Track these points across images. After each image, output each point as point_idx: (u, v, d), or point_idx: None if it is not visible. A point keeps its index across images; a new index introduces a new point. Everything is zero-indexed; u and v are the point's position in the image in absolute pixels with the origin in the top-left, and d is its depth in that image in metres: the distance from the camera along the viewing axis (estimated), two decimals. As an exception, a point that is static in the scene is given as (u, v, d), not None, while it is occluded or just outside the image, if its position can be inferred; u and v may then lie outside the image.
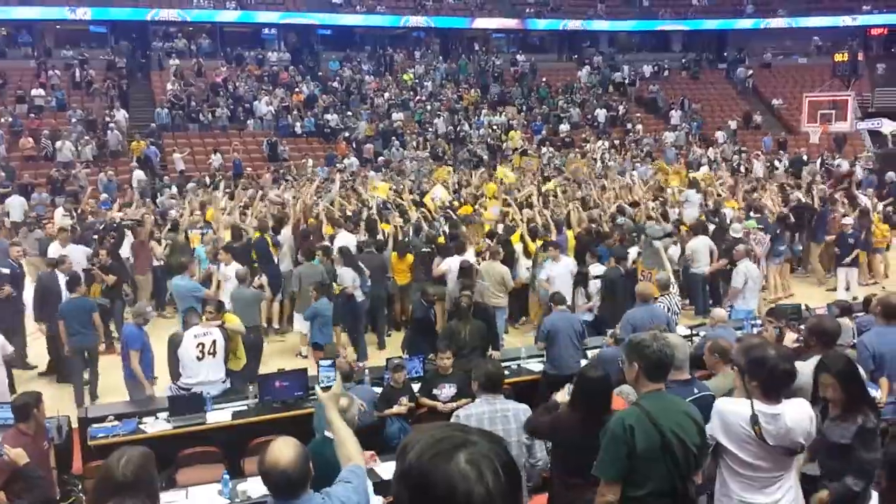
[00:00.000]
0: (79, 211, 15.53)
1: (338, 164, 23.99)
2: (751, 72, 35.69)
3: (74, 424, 6.84)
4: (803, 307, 8.93)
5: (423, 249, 11.00)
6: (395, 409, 6.74)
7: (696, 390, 4.50)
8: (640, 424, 3.47)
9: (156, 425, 6.68)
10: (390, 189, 15.99)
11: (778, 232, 12.65)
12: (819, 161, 24.29)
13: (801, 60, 36.50)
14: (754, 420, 3.56)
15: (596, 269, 10.06)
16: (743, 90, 35.22)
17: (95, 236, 12.25)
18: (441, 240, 11.25)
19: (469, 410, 4.90)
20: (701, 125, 30.87)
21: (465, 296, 8.20)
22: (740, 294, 9.85)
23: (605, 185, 17.09)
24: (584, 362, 7.61)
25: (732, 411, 3.67)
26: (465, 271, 9.26)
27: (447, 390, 6.79)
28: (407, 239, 11.61)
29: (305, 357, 10.17)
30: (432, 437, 1.68)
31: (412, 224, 12.42)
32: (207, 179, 20.66)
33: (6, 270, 9.98)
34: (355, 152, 25.67)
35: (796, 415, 3.61)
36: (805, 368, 4.72)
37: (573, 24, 36.91)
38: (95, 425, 6.61)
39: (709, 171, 19.86)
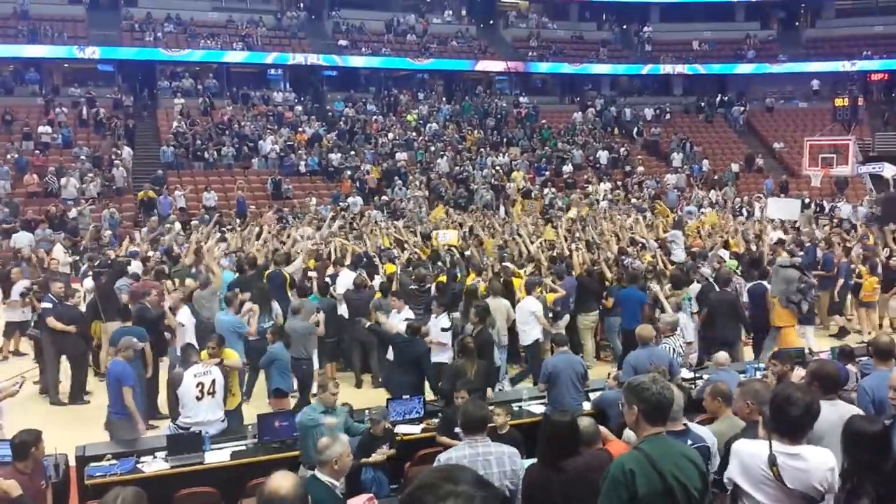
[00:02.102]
0: (80, 247, 15.60)
1: (341, 203, 24.15)
2: (743, 108, 36.25)
3: (72, 463, 6.78)
4: (807, 351, 8.89)
5: (411, 287, 10.99)
6: (373, 457, 6.63)
7: (689, 441, 4.44)
8: (641, 468, 3.41)
9: (153, 464, 6.60)
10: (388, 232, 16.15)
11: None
12: (813, 203, 24.37)
13: (802, 104, 36.85)
14: (772, 460, 3.53)
15: (442, 321, 9.62)
16: (739, 130, 35.64)
17: (90, 273, 12.27)
18: (443, 277, 11.33)
19: (450, 454, 4.80)
20: (702, 168, 31.08)
21: (469, 336, 8.16)
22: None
23: (604, 227, 17.15)
24: (586, 405, 7.57)
25: (750, 452, 3.66)
26: (481, 311, 9.23)
27: None
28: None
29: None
30: (417, 484, 1.68)
31: (413, 262, 12.45)
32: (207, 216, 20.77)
33: (48, 305, 10.18)
34: (359, 191, 25.82)
35: (816, 459, 3.58)
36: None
37: (575, 68, 37.37)
38: (93, 464, 6.53)
39: (712, 212, 19.96)
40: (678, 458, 3.50)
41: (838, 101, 28.71)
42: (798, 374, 6.26)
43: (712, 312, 10.21)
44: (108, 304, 10.91)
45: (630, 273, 11.14)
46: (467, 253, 13.35)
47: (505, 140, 31.96)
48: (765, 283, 11.02)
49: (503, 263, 12.16)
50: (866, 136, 30.97)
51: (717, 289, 10.64)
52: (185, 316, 9.49)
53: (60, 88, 29.89)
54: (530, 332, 10.17)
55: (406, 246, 14.25)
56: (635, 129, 34.13)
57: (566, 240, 14.60)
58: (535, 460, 5.05)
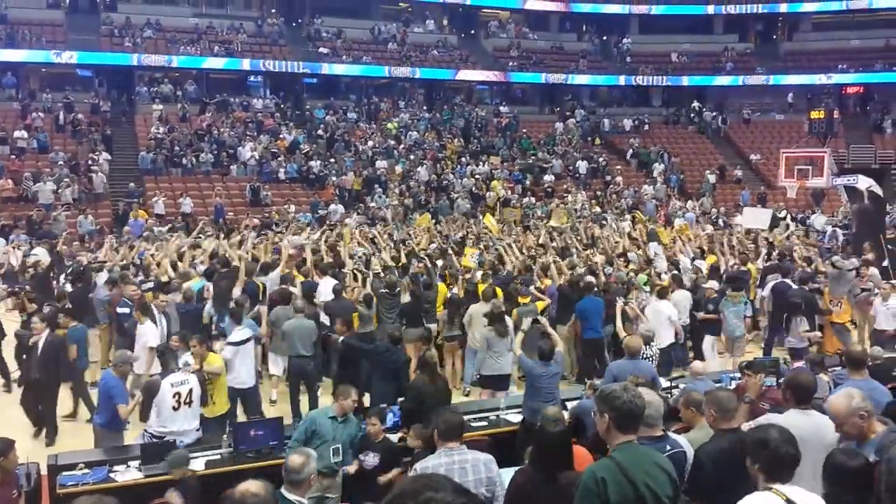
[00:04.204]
0: (56, 252, 15.44)
1: (321, 211, 24.10)
2: (718, 116, 36.70)
3: (44, 472, 6.69)
4: (781, 361, 8.96)
5: (382, 290, 11.03)
6: None
7: (668, 447, 4.47)
8: (612, 476, 3.43)
9: (127, 474, 6.53)
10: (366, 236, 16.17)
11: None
12: (788, 215, 24.59)
13: (779, 117, 37.27)
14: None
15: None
16: (714, 138, 36.04)
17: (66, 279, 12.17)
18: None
19: (427, 463, 4.79)
20: (679, 179, 31.32)
21: (430, 350, 8.15)
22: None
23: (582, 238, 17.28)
24: (564, 414, 7.57)
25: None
26: (454, 304, 9.21)
27: (371, 459, 6.50)
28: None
29: (275, 402, 10.28)
30: (397, 492, 1.69)
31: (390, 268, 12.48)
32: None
33: (125, 310, 10.14)
34: (339, 198, 25.74)
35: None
36: (786, 423, 4.72)
37: (555, 78, 37.60)
38: (65, 473, 6.45)
39: (684, 223, 20.11)
40: (650, 466, 3.51)
41: (814, 114, 29.04)
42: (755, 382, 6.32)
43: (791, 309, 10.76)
44: (82, 311, 10.84)
45: (586, 283, 11.22)
46: (440, 262, 13.37)
47: (484, 148, 32.04)
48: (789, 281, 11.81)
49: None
50: (841, 148, 31.35)
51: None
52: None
53: (37, 93, 29.62)
54: (665, 336, 10.44)
55: (378, 250, 14.30)
56: (630, 152, 33.72)
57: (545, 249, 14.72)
58: (515, 469, 5.06)
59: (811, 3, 38.88)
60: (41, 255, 15.38)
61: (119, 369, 7.68)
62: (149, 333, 9.21)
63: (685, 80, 38.50)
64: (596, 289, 11.02)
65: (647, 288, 11.78)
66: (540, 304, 10.66)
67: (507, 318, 9.78)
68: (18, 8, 30.53)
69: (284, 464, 4.70)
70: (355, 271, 12.41)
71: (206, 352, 7.83)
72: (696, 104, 37.97)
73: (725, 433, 4.65)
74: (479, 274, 12.23)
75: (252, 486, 3.50)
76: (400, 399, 7.70)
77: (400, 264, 13.05)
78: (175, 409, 7.20)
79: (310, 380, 9.59)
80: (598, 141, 34.70)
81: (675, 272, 12.58)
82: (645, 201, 27.65)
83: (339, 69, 34.03)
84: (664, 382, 8.44)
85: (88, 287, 11.62)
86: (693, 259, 14.21)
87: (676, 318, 10.70)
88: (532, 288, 11.35)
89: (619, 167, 32.00)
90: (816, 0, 38.66)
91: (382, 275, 11.90)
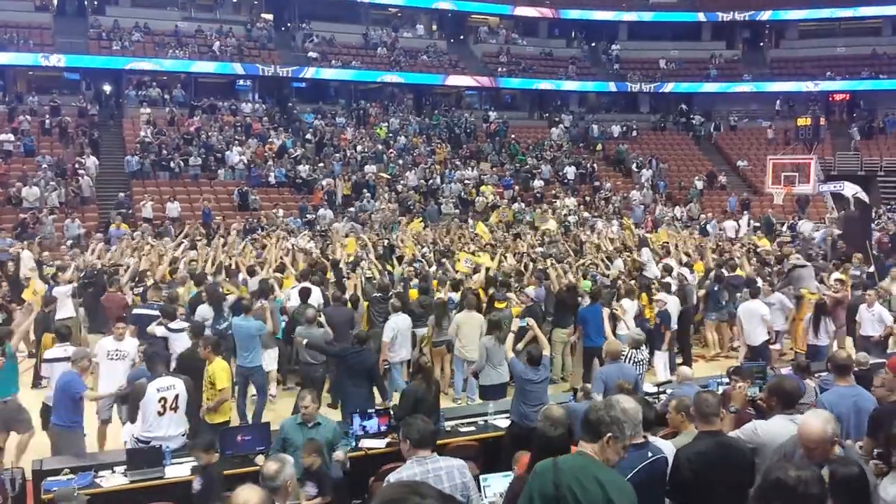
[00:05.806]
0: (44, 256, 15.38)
1: (309, 215, 24.02)
2: (703, 120, 37.02)
3: (29, 477, 6.64)
4: (768, 367, 9.00)
5: (375, 295, 11.02)
6: None
7: (650, 454, 4.48)
8: (543, 474, 3.52)
9: (112, 479, 6.48)
10: (358, 242, 16.11)
11: (716, 289, 12.70)
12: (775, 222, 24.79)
13: (766, 123, 37.50)
14: None
15: None
16: (703, 145, 36.17)
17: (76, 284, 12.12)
18: (415, 293, 11.37)
19: (401, 473, 4.71)
20: (667, 185, 31.44)
21: (425, 355, 8.16)
22: (389, 347, 9.99)
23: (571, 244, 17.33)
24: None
25: None
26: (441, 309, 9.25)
27: (195, 484, 6.12)
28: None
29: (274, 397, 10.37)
30: (381, 499, 1.69)
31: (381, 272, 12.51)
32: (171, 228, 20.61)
33: (146, 311, 9.98)
34: (328, 203, 25.66)
35: None
36: (772, 429, 4.75)
37: (544, 84, 37.72)
38: (50, 478, 6.40)
39: (668, 229, 20.21)
40: (586, 478, 3.46)
41: (801, 121, 29.21)
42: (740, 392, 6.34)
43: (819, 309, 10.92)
44: (94, 316, 10.78)
45: (592, 291, 11.22)
46: (432, 269, 13.36)
47: (473, 153, 32.05)
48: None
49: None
50: (828, 155, 31.56)
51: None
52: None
53: (24, 96, 29.44)
54: (758, 334, 10.96)
55: (367, 252, 14.33)
56: (634, 165, 33.32)
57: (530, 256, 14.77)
58: (502, 474, 5.05)
59: (797, 10, 39.18)
60: (26, 260, 15.30)
61: (78, 364, 7.44)
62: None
63: (672, 87, 38.74)
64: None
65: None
66: (515, 310, 10.61)
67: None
68: (5, 11, 30.30)
69: (260, 472, 4.67)
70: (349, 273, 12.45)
71: (212, 355, 7.76)
72: (683, 107, 38.25)
73: (706, 436, 4.66)
74: (475, 278, 12.23)
75: (251, 500, 3.42)
76: (391, 404, 7.69)
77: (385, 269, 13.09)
78: (160, 413, 7.12)
79: (317, 386, 9.45)
80: (598, 147, 34.75)
81: (667, 278, 12.64)
82: (633, 207, 27.76)
83: (329, 74, 34.02)
84: (651, 388, 8.48)
85: (100, 292, 11.48)
86: (681, 265, 14.27)
87: (769, 317, 11.04)
88: (511, 293, 11.30)
89: (606, 174, 32.07)
90: (803, 8, 38.94)
91: (376, 279, 11.89)
